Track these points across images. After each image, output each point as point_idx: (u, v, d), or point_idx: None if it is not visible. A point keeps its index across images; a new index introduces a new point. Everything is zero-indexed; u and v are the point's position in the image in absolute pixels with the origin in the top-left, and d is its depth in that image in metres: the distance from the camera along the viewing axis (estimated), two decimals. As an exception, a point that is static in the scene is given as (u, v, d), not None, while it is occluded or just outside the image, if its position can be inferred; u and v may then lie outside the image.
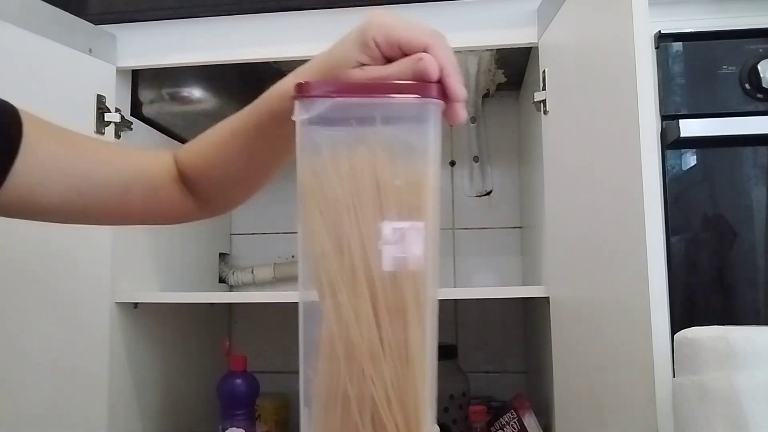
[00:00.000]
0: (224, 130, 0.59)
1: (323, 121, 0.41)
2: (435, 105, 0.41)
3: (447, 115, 0.42)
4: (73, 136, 0.58)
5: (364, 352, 0.39)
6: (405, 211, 0.41)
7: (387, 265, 0.40)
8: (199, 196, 0.62)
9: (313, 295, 0.41)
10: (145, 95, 1.04)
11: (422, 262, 0.40)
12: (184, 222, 0.65)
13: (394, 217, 0.40)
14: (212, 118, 1.18)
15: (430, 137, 0.40)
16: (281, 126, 0.49)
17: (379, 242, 0.40)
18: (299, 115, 0.41)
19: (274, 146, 0.56)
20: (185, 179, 0.62)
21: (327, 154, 0.41)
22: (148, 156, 0.62)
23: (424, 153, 0.40)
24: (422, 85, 0.41)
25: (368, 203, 0.40)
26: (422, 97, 0.41)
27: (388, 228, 0.40)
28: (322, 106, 0.41)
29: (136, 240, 1.01)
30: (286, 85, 0.53)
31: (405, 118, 0.42)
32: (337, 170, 0.41)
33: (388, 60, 0.44)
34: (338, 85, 0.42)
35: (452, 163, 1.33)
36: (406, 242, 0.40)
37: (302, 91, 0.41)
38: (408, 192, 0.41)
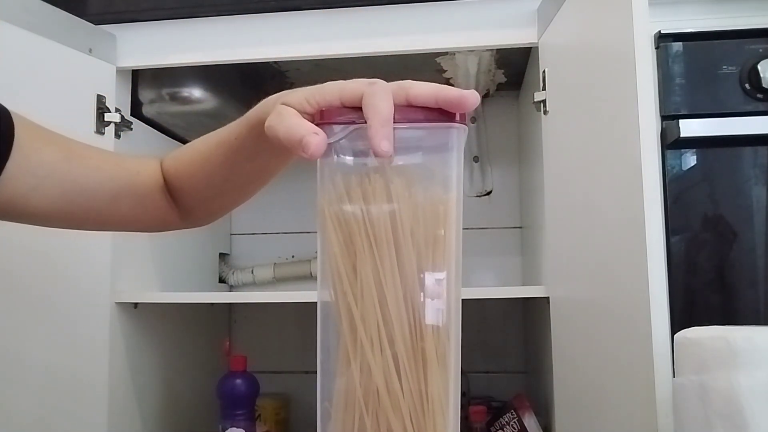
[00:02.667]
0: (209, 141, 0.58)
1: (342, 149, 0.41)
2: (458, 130, 0.39)
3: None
4: (65, 141, 0.58)
5: (383, 401, 0.39)
6: (423, 245, 0.39)
7: (405, 313, 0.38)
8: (182, 205, 0.62)
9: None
10: (145, 95, 1.04)
11: (443, 315, 0.38)
12: (164, 230, 0.66)
13: (411, 253, 0.38)
14: (212, 118, 1.18)
15: (453, 163, 0.38)
16: (260, 140, 0.49)
17: (398, 286, 0.38)
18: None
19: (255, 160, 0.54)
20: (169, 187, 0.61)
21: (343, 184, 0.41)
22: (137, 163, 0.61)
23: (447, 180, 0.39)
24: (444, 110, 0.39)
25: (383, 238, 0.39)
26: (446, 121, 0.39)
27: (411, 274, 0.38)
28: (340, 134, 0.40)
29: (136, 240, 1.01)
30: (268, 102, 0.51)
31: (425, 145, 0.40)
32: (353, 202, 0.41)
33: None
34: (357, 112, 0.40)
35: (452, 163, 1.33)
36: (428, 290, 0.39)
37: (323, 117, 0.41)
38: (428, 222, 0.39)
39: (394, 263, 0.39)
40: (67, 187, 0.55)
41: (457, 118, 0.39)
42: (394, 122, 0.38)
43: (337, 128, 0.40)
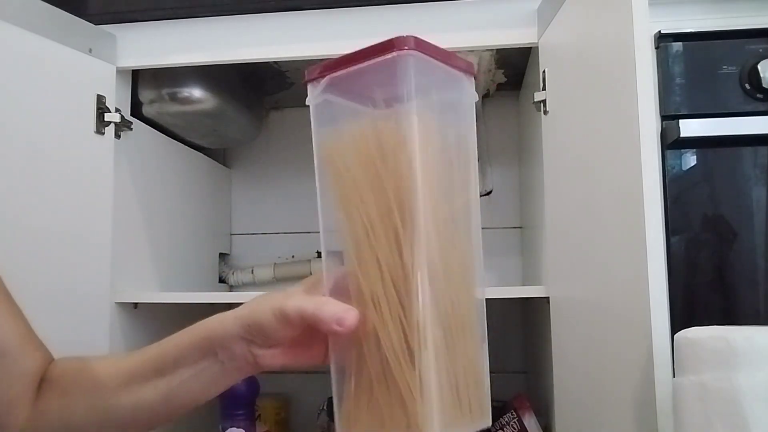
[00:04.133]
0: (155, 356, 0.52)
1: (329, 104, 0.46)
2: (403, 56, 0.41)
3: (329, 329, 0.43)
4: None
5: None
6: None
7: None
8: (43, 418, 0.53)
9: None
10: (145, 95, 1.04)
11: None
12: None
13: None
14: (212, 118, 1.19)
15: (404, 87, 0.41)
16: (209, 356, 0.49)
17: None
18: (310, 99, 0.47)
19: (192, 383, 0.50)
20: (43, 388, 0.54)
21: (332, 129, 0.47)
22: (37, 341, 0.56)
23: (402, 102, 0.41)
24: (393, 41, 0.42)
25: (370, 176, 0.43)
26: (394, 50, 0.41)
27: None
28: (322, 85, 0.45)
29: (136, 240, 1.01)
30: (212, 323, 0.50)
31: (391, 79, 0.43)
32: (342, 142, 0.46)
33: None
34: (335, 62, 0.44)
35: (452, 163, 1.33)
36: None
37: (311, 74, 0.46)
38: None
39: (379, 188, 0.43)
40: None
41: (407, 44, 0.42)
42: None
43: (321, 81, 0.45)
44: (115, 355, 0.56)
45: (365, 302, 0.43)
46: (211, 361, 0.49)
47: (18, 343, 0.53)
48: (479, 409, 0.45)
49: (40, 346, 0.56)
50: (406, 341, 0.40)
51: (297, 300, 0.45)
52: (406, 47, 0.41)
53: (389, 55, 0.41)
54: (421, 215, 0.40)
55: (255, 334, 0.47)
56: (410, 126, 0.41)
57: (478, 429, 0.44)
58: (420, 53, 0.42)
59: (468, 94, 0.46)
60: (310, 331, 0.46)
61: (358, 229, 0.44)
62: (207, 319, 0.50)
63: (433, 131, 0.43)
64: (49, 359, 0.57)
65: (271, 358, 0.48)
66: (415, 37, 0.41)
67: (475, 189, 0.46)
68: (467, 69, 0.47)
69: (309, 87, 0.46)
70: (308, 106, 0.47)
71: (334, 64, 0.45)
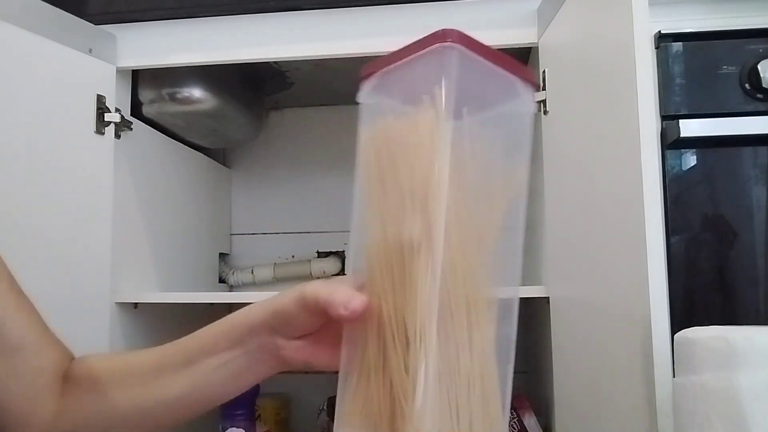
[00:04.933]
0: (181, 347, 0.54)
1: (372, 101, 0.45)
2: (450, 49, 0.39)
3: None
4: (4, 267, 0.53)
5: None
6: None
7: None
8: (71, 414, 0.53)
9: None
10: (145, 95, 1.04)
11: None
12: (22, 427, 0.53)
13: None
14: (212, 118, 1.19)
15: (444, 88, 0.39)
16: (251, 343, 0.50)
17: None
18: (362, 97, 0.45)
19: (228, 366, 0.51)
20: (70, 385, 0.54)
21: (371, 126, 0.45)
22: (53, 337, 0.55)
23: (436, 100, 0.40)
24: (436, 34, 0.40)
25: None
26: (438, 42, 0.39)
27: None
28: (371, 83, 0.45)
29: (136, 240, 1.01)
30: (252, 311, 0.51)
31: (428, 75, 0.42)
32: (374, 139, 0.45)
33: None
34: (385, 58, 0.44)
35: (452, 163, 1.33)
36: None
37: (364, 71, 0.46)
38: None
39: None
40: None
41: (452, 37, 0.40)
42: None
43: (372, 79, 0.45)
44: (143, 350, 0.57)
45: (374, 295, 0.43)
46: (239, 352, 0.50)
47: (35, 338, 0.53)
48: (484, 428, 0.42)
49: (57, 342, 0.56)
50: (406, 339, 0.40)
51: (315, 285, 0.46)
52: (449, 40, 0.39)
53: (427, 49, 0.40)
54: (437, 220, 0.40)
55: (279, 321, 0.48)
56: (432, 125, 0.40)
57: None
58: (463, 48, 0.40)
59: (521, 102, 0.44)
60: (332, 330, 0.47)
61: (376, 224, 0.44)
62: (237, 311, 0.51)
63: (464, 135, 0.41)
64: (69, 356, 0.56)
65: (295, 351, 0.49)
66: (461, 32, 0.39)
67: (521, 208, 0.46)
68: (523, 76, 0.44)
69: (363, 85, 0.46)
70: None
71: (383, 60, 0.44)
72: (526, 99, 0.44)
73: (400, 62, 0.43)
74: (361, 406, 0.43)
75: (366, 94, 0.46)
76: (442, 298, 0.40)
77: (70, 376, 0.54)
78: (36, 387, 0.52)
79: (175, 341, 0.54)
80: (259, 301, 0.50)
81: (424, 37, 0.40)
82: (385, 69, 0.44)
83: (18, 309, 0.53)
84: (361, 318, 0.43)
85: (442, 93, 0.39)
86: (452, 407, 0.40)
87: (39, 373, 0.53)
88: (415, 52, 0.41)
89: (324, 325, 0.48)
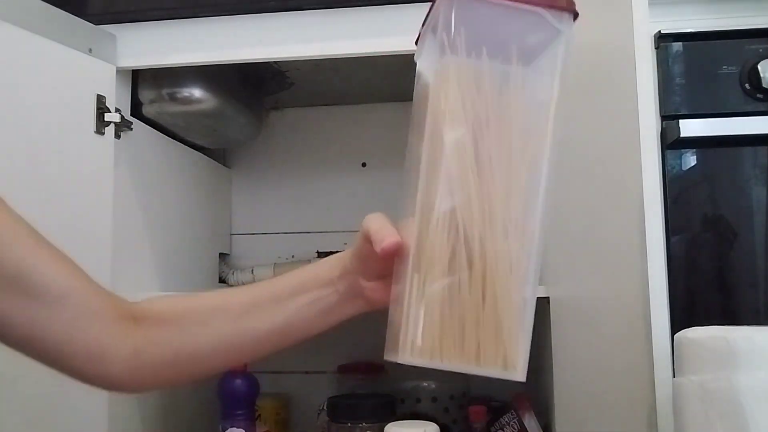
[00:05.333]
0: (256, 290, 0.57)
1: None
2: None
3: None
4: (27, 223, 0.54)
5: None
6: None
7: None
8: (155, 350, 0.55)
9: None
10: (145, 95, 1.04)
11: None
12: (90, 379, 0.56)
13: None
14: (212, 118, 1.18)
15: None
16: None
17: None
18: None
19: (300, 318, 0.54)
20: (149, 322, 0.55)
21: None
22: (94, 283, 0.56)
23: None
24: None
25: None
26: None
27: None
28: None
29: (136, 240, 1.01)
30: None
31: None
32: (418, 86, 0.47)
33: None
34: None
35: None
36: None
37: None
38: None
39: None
40: (13, 270, 0.50)
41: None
42: None
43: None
44: (225, 290, 0.58)
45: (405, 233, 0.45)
46: (329, 291, 0.53)
47: (78, 284, 0.54)
48: (497, 356, 0.45)
49: (101, 288, 0.56)
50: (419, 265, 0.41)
51: (371, 218, 0.49)
52: None
53: None
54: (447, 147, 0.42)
55: (357, 261, 0.52)
56: (439, 72, 0.43)
57: (490, 374, 0.44)
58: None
59: (557, 33, 0.43)
60: None
61: (410, 164, 0.46)
62: (322, 259, 0.56)
63: (481, 76, 0.43)
64: (121, 299, 0.57)
65: (373, 290, 0.52)
66: None
67: (548, 147, 0.48)
68: (552, 4, 0.43)
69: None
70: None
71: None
72: (563, 27, 0.43)
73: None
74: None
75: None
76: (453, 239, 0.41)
77: (144, 315, 0.56)
78: (94, 331, 0.53)
79: (260, 282, 0.58)
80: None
81: None
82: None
83: (52, 259, 0.53)
84: (398, 255, 0.45)
85: (443, 36, 0.42)
86: (456, 332, 0.42)
87: (93, 318, 0.53)
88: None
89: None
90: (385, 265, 0.49)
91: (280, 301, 0.54)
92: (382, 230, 0.47)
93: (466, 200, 0.41)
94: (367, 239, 0.48)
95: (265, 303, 0.55)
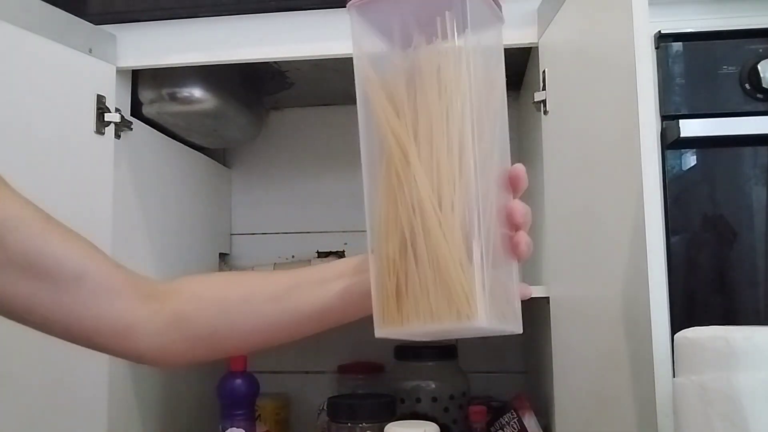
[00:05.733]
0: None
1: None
2: None
3: None
4: (40, 209, 0.54)
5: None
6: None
7: None
8: (189, 325, 0.55)
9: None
10: (145, 95, 1.04)
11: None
12: (119, 354, 0.56)
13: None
14: (212, 118, 1.18)
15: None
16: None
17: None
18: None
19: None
20: (182, 298, 0.56)
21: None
22: (111, 261, 0.56)
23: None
24: None
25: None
26: None
27: None
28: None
29: (136, 240, 1.01)
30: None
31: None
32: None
33: None
34: None
35: (452, 163, 1.33)
36: None
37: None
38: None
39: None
40: (29, 255, 0.50)
41: None
42: None
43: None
44: (265, 272, 0.64)
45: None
46: (364, 278, 0.51)
47: (95, 264, 0.54)
48: (510, 311, 0.49)
49: (119, 266, 0.56)
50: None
51: None
52: None
53: None
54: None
55: None
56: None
57: (508, 331, 0.48)
58: None
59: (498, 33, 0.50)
60: None
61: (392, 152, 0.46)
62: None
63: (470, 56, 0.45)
64: (143, 278, 0.57)
65: None
66: None
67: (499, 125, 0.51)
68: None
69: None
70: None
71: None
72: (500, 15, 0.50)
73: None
74: (403, 305, 0.46)
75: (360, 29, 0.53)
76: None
77: (173, 292, 0.56)
78: (115, 308, 0.53)
79: (298, 268, 0.58)
80: None
81: None
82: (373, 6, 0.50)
83: (65, 242, 0.53)
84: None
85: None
86: (493, 294, 0.44)
87: (113, 295, 0.53)
88: None
89: None
90: None
91: (323, 283, 0.54)
92: None
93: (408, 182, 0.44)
94: None
95: (307, 284, 0.55)
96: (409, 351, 1.10)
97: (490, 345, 1.30)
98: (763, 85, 0.76)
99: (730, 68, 0.79)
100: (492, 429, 1.02)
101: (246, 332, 0.56)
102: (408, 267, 0.43)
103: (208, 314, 0.56)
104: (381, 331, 0.45)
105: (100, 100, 0.91)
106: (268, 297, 0.55)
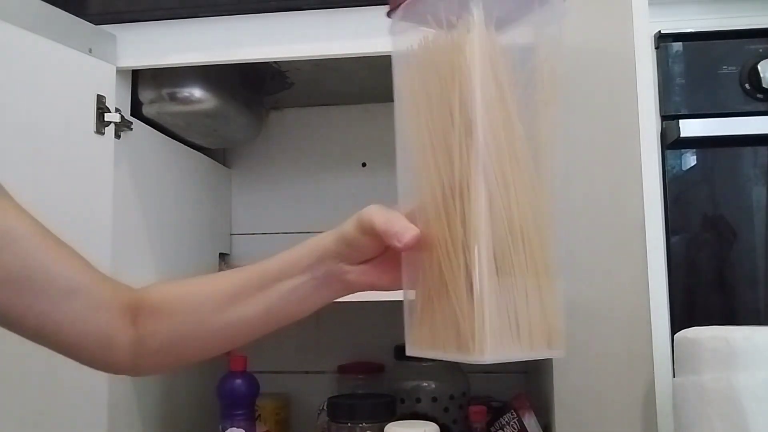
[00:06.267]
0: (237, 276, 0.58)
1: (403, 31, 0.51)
2: None
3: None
4: (41, 224, 0.55)
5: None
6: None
7: None
8: (151, 339, 0.57)
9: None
10: (145, 95, 1.04)
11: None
12: (100, 367, 0.59)
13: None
14: (212, 118, 1.18)
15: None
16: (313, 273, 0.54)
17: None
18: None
19: (286, 302, 0.55)
20: (145, 312, 0.57)
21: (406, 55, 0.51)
22: (100, 274, 0.57)
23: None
24: None
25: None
26: None
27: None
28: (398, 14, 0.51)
29: (136, 240, 1.01)
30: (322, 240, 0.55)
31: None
32: (411, 66, 0.50)
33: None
34: None
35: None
36: None
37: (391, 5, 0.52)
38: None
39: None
40: (24, 268, 0.52)
41: None
42: None
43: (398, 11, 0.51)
44: (213, 275, 0.63)
45: (428, 221, 0.46)
46: (307, 278, 0.54)
47: (86, 279, 0.55)
48: (543, 337, 0.47)
49: (109, 279, 0.58)
50: (464, 258, 0.42)
51: (372, 211, 0.50)
52: None
53: None
54: (480, 129, 0.42)
55: (343, 246, 0.52)
56: (469, 42, 0.43)
57: (540, 357, 0.46)
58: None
59: (551, 13, 0.47)
60: (395, 254, 0.51)
61: (424, 147, 0.47)
62: (309, 238, 0.56)
63: (497, 50, 0.44)
64: (126, 288, 0.59)
65: (360, 274, 0.53)
66: None
67: (554, 122, 0.50)
68: None
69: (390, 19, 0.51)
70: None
71: None
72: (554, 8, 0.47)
73: None
74: (428, 331, 0.47)
75: (392, 25, 0.51)
76: (496, 224, 0.42)
77: (141, 305, 0.57)
78: (102, 322, 0.55)
79: (245, 267, 0.57)
80: (329, 230, 0.55)
81: None
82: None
83: (60, 256, 0.54)
84: (415, 248, 0.46)
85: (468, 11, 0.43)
86: (512, 323, 0.43)
87: (101, 309, 0.55)
88: None
89: (387, 248, 0.50)
90: (376, 250, 0.51)
91: (262, 288, 0.55)
92: (393, 224, 0.47)
93: (504, 191, 0.43)
94: (366, 231, 0.49)
95: (249, 290, 0.55)
96: (409, 351, 1.10)
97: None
98: (763, 85, 0.76)
99: (730, 68, 0.79)
100: (492, 429, 1.02)
101: (197, 342, 0.58)
102: (431, 298, 0.44)
103: (162, 328, 0.57)
104: (409, 351, 0.47)
105: (100, 100, 0.91)
106: (212, 307, 0.56)
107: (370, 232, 0.49)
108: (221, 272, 0.59)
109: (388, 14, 0.52)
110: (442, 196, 0.44)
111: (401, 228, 0.47)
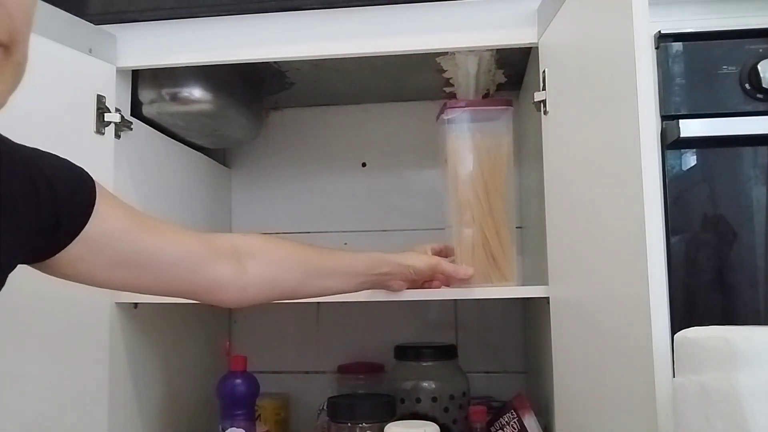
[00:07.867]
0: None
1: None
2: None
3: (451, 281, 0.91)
4: (137, 213, 0.66)
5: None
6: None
7: None
8: (251, 274, 0.72)
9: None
10: (145, 95, 1.04)
11: None
12: (218, 303, 0.72)
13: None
14: (212, 118, 1.18)
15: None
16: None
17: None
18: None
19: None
20: (245, 254, 0.72)
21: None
22: (196, 236, 0.70)
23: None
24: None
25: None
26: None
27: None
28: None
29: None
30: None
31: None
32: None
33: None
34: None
35: (452, 163, 1.34)
36: None
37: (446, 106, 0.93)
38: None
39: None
40: (134, 254, 0.63)
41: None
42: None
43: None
44: (303, 247, 0.80)
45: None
46: (372, 278, 0.83)
47: (184, 247, 0.68)
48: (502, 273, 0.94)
49: (203, 238, 0.70)
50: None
51: (416, 260, 0.87)
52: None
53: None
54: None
55: (398, 276, 0.86)
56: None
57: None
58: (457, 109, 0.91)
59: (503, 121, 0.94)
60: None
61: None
62: (384, 256, 0.84)
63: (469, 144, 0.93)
64: (224, 239, 0.73)
65: (399, 287, 0.87)
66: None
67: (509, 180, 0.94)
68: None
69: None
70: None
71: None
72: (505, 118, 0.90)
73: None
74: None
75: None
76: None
77: (247, 253, 0.72)
78: (209, 273, 0.69)
79: (342, 255, 0.82)
80: (394, 256, 0.85)
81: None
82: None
83: (157, 236, 0.66)
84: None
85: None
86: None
87: (206, 264, 0.68)
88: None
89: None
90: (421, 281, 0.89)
91: (349, 276, 0.80)
92: (453, 268, 0.89)
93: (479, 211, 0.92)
94: (418, 273, 0.86)
95: (340, 275, 0.79)
96: (409, 351, 1.10)
97: (490, 345, 1.30)
98: (763, 85, 0.76)
99: (730, 68, 0.79)
100: (492, 429, 1.02)
101: (294, 293, 0.78)
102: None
103: (293, 277, 0.76)
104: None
105: (100, 100, 0.91)
106: (313, 274, 0.77)
107: (418, 273, 0.87)
108: (321, 250, 0.79)
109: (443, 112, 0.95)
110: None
111: (458, 269, 0.89)
